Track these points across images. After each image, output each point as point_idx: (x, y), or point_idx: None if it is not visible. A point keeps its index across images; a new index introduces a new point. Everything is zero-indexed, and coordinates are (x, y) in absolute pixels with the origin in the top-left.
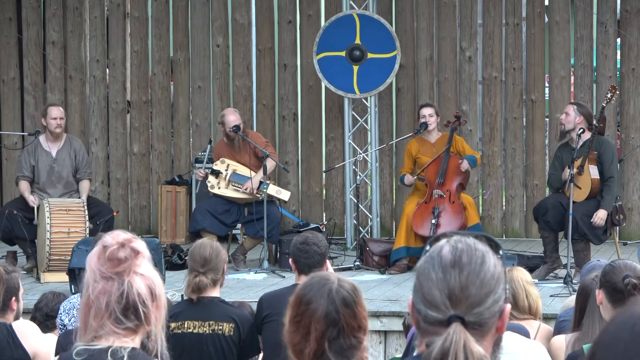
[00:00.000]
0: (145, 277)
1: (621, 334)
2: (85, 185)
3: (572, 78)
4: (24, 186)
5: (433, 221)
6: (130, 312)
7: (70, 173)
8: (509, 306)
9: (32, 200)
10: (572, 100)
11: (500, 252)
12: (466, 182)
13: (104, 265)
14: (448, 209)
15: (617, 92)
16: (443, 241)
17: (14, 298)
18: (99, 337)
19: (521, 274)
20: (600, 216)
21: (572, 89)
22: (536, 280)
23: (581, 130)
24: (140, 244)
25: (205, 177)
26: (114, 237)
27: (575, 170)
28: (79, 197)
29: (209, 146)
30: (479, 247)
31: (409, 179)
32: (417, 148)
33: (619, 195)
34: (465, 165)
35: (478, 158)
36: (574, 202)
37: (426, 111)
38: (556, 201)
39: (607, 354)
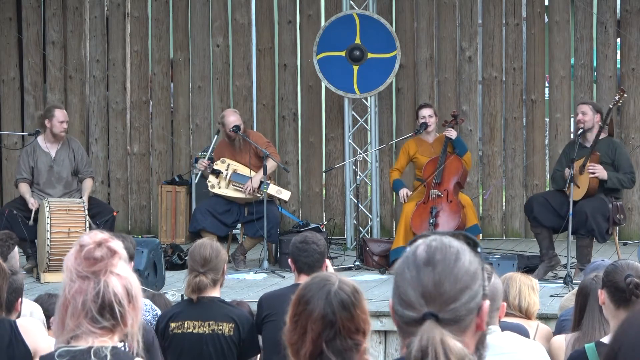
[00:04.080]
0: (122, 277)
1: None
2: (87, 184)
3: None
4: (24, 188)
5: (431, 221)
6: (106, 311)
7: (69, 173)
8: (487, 303)
9: (32, 202)
10: (587, 100)
11: (479, 249)
12: (464, 181)
13: (81, 264)
14: (446, 209)
15: (625, 95)
16: (420, 241)
17: (20, 299)
18: (77, 337)
19: (524, 278)
20: (598, 169)
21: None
22: (537, 281)
23: (599, 127)
24: (117, 244)
25: (206, 169)
26: (91, 237)
27: (576, 169)
28: (80, 197)
29: (216, 137)
30: (453, 244)
31: (404, 193)
32: (415, 148)
33: (627, 183)
34: (453, 133)
35: (468, 159)
36: (577, 200)
37: (426, 112)
38: (542, 198)
39: (633, 354)
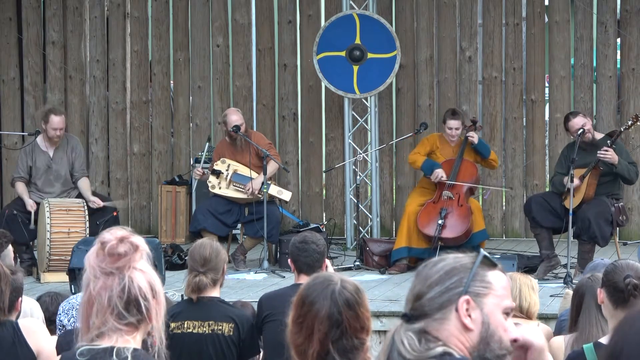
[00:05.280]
0: (145, 272)
1: None
2: (85, 184)
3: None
4: (21, 188)
5: (440, 222)
6: (132, 306)
7: (67, 171)
8: (463, 299)
9: (31, 204)
10: (575, 112)
11: (480, 257)
12: (476, 187)
13: (104, 261)
14: (455, 212)
15: (638, 123)
16: None
17: (20, 299)
18: (102, 335)
19: (524, 278)
20: (611, 153)
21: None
22: (537, 281)
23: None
24: (139, 240)
25: (203, 176)
26: (112, 234)
27: (576, 180)
28: (77, 196)
29: (207, 144)
30: (449, 255)
31: (439, 174)
32: (437, 145)
33: (633, 174)
34: (475, 138)
35: (494, 157)
36: (582, 203)
37: (454, 124)
38: (540, 198)
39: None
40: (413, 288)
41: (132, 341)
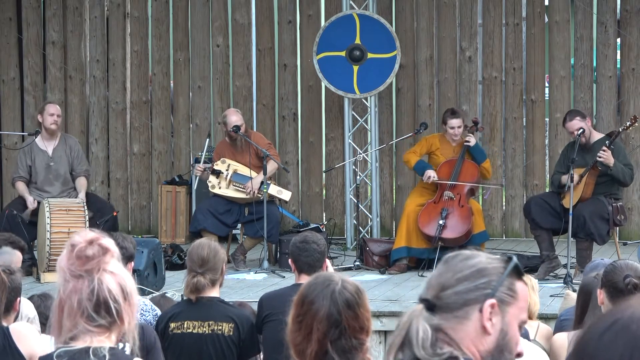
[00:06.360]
0: (116, 274)
1: (590, 344)
2: (82, 183)
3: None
4: (22, 187)
5: (441, 222)
6: (101, 309)
7: (67, 170)
8: (490, 302)
9: (31, 202)
10: (571, 116)
11: (512, 264)
12: (477, 188)
13: (73, 264)
14: (456, 212)
15: (637, 124)
16: None
17: (18, 299)
18: (75, 337)
19: (524, 278)
20: (607, 155)
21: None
22: (537, 281)
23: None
24: (108, 242)
25: (204, 173)
26: (82, 236)
27: (576, 177)
28: (77, 196)
29: (207, 140)
30: (481, 252)
31: (432, 174)
32: (438, 145)
33: (627, 178)
34: (472, 140)
35: (488, 167)
36: (578, 202)
37: (455, 122)
38: (540, 199)
39: None
40: (439, 276)
41: (107, 341)
